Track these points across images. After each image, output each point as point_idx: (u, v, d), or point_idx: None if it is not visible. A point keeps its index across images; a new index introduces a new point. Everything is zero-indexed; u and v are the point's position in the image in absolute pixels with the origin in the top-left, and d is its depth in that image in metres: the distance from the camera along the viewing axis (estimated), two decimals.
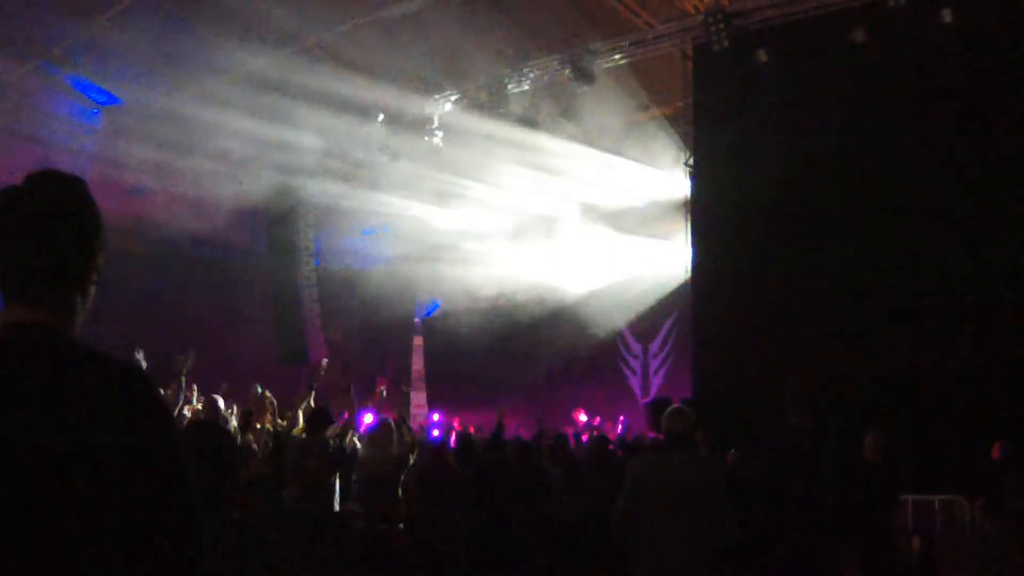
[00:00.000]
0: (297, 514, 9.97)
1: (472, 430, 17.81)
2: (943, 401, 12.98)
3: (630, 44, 17.73)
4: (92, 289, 2.17)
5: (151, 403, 2.04)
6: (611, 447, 12.61)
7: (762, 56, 15.61)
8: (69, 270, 2.10)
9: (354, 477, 10.80)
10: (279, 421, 12.80)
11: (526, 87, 18.89)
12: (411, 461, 10.88)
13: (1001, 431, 11.61)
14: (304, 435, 10.72)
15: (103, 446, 1.91)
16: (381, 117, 20.76)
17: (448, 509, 10.33)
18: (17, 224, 2.06)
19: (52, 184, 2.13)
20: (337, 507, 10.32)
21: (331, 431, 10.62)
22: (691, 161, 17.46)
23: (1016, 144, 13.27)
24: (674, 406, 6.64)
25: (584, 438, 16.55)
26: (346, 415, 10.93)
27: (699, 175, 16.94)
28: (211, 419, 10.67)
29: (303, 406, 11.95)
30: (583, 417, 20.48)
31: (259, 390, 13.56)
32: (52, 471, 1.88)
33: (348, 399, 10.89)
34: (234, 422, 12.33)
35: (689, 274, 17.44)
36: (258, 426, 12.50)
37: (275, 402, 13.43)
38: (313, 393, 12.29)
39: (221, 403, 11.70)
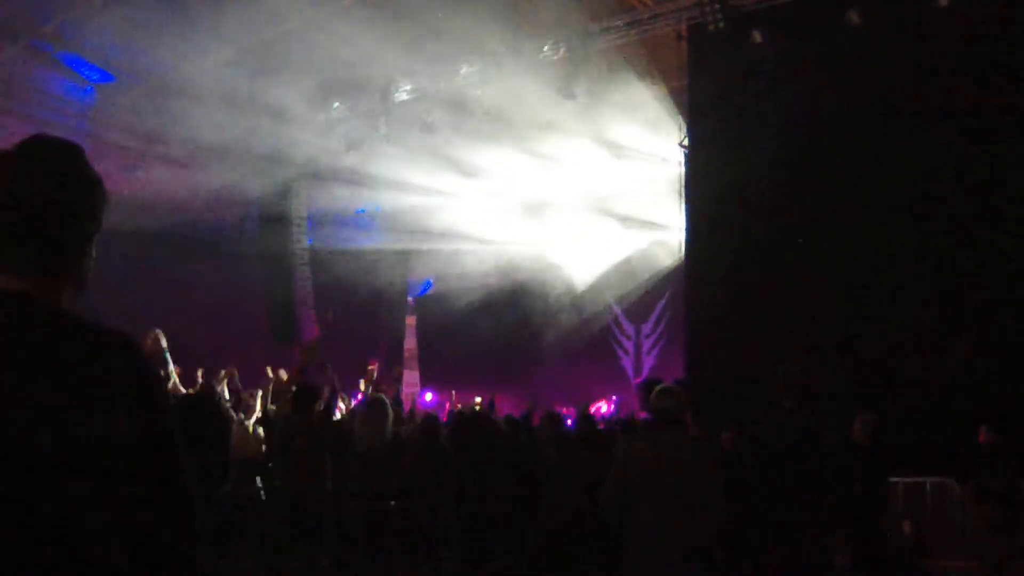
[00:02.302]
0: (287, 492, 9.98)
1: (466, 408, 17.82)
2: (933, 383, 13.03)
3: (625, 25, 17.67)
4: (86, 260, 2.10)
5: (144, 379, 1.94)
6: (602, 426, 12.64)
7: (757, 37, 15.57)
8: (58, 238, 2.03)
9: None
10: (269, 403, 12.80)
11: (520, 67, 18.82)
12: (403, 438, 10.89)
13: (989, 414, 11.66)
14: (290, 413, 10.71)
15: (87, 423, 1.81)
16: (375, 95, 20.72)
17: (440, 487, 10.36)
18: (3, 190, 1.99)
19: (43, 149, 2.07)
20: (330, 485, 10.31)
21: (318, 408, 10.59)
22: (686, 142, 17.45)
23: (1012, 128, 13.27)
24: (662, 385, 6.65)
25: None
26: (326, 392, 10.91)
27: (693, 156, 16.93)
28: (205, 396, 10.68)
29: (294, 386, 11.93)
30: (604, 407, 20.59)
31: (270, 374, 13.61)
32: (29, 451, 1.78)
33: (327, 376, 10.86)
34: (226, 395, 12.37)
35: (682, 255, 17.45)
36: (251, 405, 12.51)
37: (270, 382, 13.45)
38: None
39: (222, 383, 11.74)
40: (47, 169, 2.04)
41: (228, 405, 12.13)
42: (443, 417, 15.55)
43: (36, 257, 2.00)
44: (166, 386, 10.24)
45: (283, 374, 13.59)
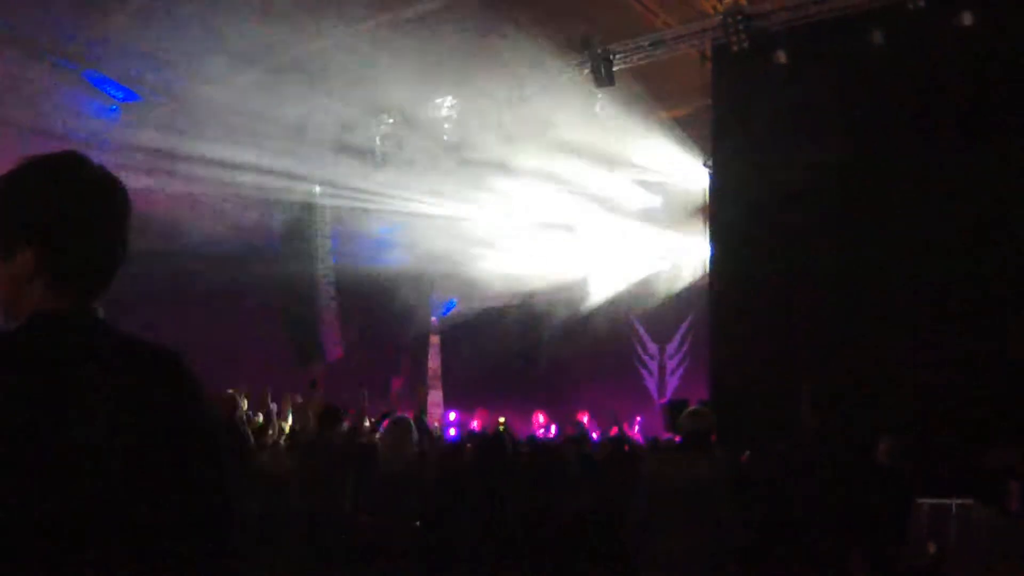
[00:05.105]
0: (307, 513, 9.97)
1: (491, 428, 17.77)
2: (961, 404, 12.89)
3: (649, 45, 17.67)
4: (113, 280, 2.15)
5: (194, 392, 2.01)
6: (626, 447, 12.60)
7: (781, 57, 15.56)
8: (111, 260, 2.11)
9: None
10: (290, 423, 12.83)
11: (543, 86, 18.83)
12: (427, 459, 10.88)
13: (1018, 434, 11.55)
14: (314, 434, 10.72)
15: (140, 434, 1.87)
16: (399, 115, 20.75)
17: (464, 507, 10.33)
18: (101, 210, 2.09)
19: (87, 172, 2.11)
20: (349, 504, 10.30)
21: (342, 429, 10.59)
22: (710, 162, 17.43)
23: None
24: (692, 407, 6.67)
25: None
26: (351, 412, 10.92)
27: (717, 176, 16.92)
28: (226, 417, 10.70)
29: (315, 406, 11.94)
30: (585, 420, 20.43)
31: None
32: (89, 463, 1.82)
33: (359, 398, 10.87)
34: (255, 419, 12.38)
35: (707, 275, 17.41)
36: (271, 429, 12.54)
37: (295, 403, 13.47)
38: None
39: (245, 403, 11.74)
40: (121, 195, 2.13)
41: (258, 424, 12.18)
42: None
43: (90, 278, 2.07)
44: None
45: (298, 398, 13.58)
